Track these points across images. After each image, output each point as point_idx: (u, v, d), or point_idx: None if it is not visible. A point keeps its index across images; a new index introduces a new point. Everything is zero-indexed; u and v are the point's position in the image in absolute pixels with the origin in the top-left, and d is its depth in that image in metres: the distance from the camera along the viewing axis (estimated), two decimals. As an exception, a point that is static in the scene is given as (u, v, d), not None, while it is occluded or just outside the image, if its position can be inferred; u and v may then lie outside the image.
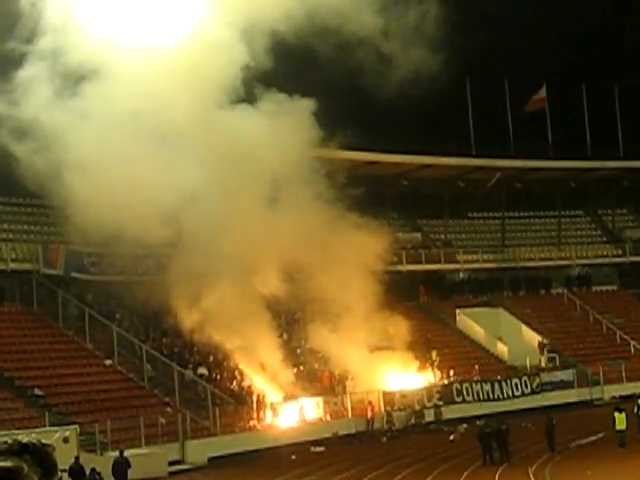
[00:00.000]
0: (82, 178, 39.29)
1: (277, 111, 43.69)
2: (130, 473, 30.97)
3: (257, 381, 44.75)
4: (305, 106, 43.95)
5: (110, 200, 38.97)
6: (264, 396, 43.40)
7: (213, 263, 41.23)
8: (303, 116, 43.61)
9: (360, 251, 45.94)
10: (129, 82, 40.49)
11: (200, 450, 38.01)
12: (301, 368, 47.00)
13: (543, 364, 54.33)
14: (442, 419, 46.22)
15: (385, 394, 46.25)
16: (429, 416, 46.41)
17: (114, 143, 40.24)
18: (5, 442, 2.93)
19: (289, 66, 42.49)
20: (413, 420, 45.97)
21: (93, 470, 29.02)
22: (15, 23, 39.64)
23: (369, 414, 44.68)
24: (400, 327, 48.17)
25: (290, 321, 49.37)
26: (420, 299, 58.20)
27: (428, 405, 46.95)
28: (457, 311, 57.50)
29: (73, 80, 40.81)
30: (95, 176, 39.39)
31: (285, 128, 43.11)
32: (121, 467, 30.58)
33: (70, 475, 28.15)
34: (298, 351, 47.91)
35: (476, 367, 51.37)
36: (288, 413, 43.40)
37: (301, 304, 46.05)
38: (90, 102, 40.44)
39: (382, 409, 45.41)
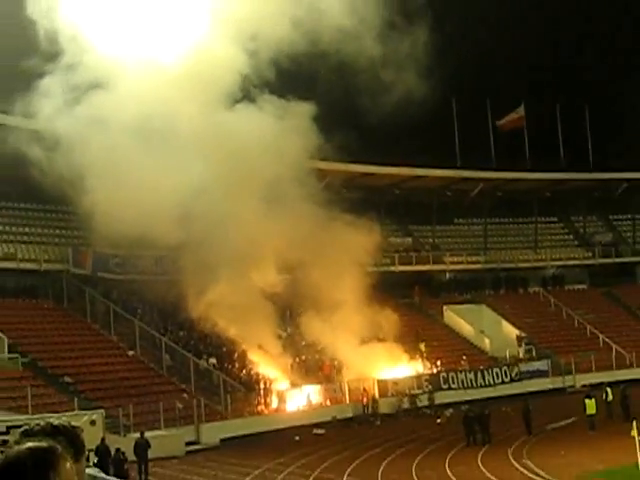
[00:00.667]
0: (103, 184, 39.04)
1: (277, 115, 43.50)
2: (150, 453, 30.93)
3: (264, 370, 44.71)
4: (305, 110, 43.72)
5: (129, 203, 38.73)
6: (271, 383, 43.38)
7: (221, 259, 40.98)
8: (302, 120, 43.39)
9: (356, 253, 46.03)
10: (140, 92, 40.38)
11: (213, 432, 37.92)
12: (304, 358, 47.01)
13: (521, 355, 54.23)
14: (435, 403, 46.19)
15: (379, 382, 46.21)
16: (424, 401, 46.37)
17: (128, 149, 39.93)
18: (38, 424, 2.95)
19: (288, 81, 42.65)
20: (408, 405, 45.93)
21: (118, 450, 28.97)
22: (34, 42, 39.51)
23: (364, 400, 44.67)
24: (393, 322, 48.15)
25: (295, 316, 49.34)
26: (415, 298, 58.00)
27: (419, 391, 46.89)
28: (444, 308, 57.42)
29: (88, 92, 40.67)
30: (113, 181, 39.21)
31: (285, 130, 42.92)
32: (142, 447, 30.51)
33: (97, 455, 28.08)
34: (303, 343, 47.87)
35: (464, 357, 51.24)
36: (292, 399, 43.37)
37: (304, 301, 45.96)
38: (104, 111, 40.13)
39: (376, 395, 45.38)
